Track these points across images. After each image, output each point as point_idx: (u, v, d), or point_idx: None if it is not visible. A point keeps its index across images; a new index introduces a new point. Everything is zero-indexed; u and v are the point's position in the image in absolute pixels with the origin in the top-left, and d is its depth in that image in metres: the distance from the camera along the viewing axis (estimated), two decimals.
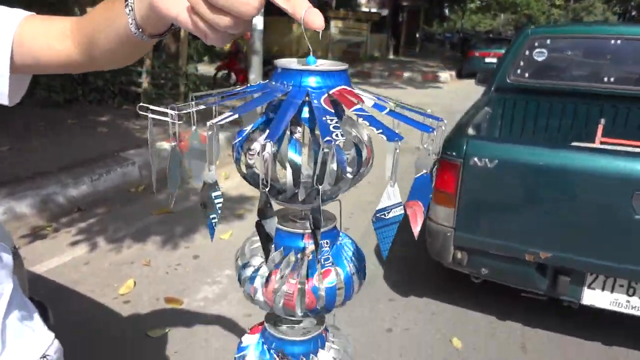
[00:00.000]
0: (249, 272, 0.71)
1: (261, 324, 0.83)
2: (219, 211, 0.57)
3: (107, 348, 2.26)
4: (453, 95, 10.31)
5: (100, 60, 0.68)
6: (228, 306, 2.63)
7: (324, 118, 0.48)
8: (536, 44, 3.40)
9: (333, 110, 0.51)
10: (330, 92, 0.53)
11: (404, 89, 11.36)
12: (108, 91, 6.25)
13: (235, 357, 0.80)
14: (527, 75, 3.48)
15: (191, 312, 2.58)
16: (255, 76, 5.95)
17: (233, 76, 9.43)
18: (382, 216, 0.53)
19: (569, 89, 3.34)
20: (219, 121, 0.51)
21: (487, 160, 2.00)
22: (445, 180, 2.11)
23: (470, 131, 2.57)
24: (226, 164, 5.06)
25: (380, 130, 0.48)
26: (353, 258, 0.71)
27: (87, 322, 2.45)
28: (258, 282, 0.68)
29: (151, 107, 0.53)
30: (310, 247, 0.69)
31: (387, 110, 0.55)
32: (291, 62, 0.57)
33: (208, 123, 0.51)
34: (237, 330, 2.42)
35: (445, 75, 13.61)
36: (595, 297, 2.08)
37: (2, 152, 4.32)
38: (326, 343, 0.78)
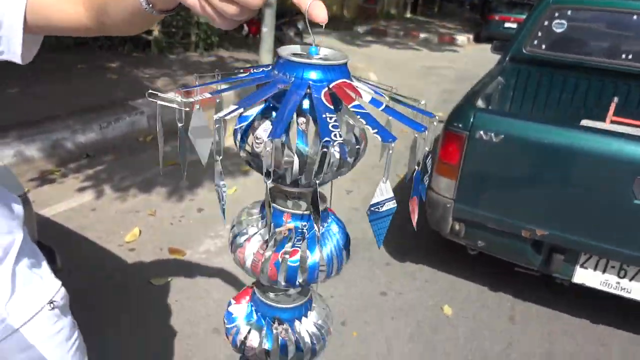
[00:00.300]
0: (241, 239, 0.74)
1: (244, 291, 0.87)
2: (225, 200, 0.60)
3: (112, 293, 2.36)
4: (469, 59, 10.09)
5: (109, 28, 0.69)
6: (229, 259, 2.69)
7: (323, 116, 0.50)
8: (556, 14, 3.30)
9: (332, 107, 0.52)
10: (330, 86, 0.54)
11: (418, 51, 11.11)
12: (118, 37, 6.17)
13: (226, 328, 0.85)
14: (544, 46, 3.40)
15: (193, 264, 2.66)
16: (267, 29, 5.82)
17: (245, 28, 9.24)
18: (376, 209, 0.56)
19: (584, 64, 3.27)
20: (225, 115, 0.53)
21: (493, 134, 1.99)
22: (449, 152, 2.12)
23: (480, 103, 2.55)
24: (234, 119, 5.06)
25: (376, 130, 0.50)
26: (337, 240, 0.74)
27: (93, 267, 2.54)
28: (249, 250, 0.72)
29: (159, 94, 0.55)
30: (288, 225, 0.72)
31: (383, 106, 0.56)
32: (294, 51, 0.58)
33: (214, 117, 0.53)
34: (236, 283, 2.51)
35: (462, 38, 13.25)
36: (586, 276, 2.12)
37: (12, 94, 4.33)
38: (309, 311, 0.82)
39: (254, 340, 0.80)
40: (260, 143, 0.60)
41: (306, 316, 0.82)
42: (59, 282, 0.96)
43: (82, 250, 2.67)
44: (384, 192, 0.56)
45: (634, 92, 3.28)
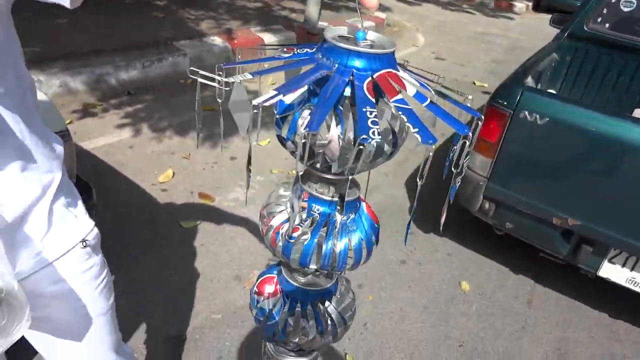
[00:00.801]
0: (274, 222, 0.75)
1: (265, 280, 0.88)
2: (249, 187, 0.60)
3: (142, 231, 2.46)
4: (524, 29, 9.58)
5: None
6: (256, 210, 2.74)
7: (364, 109, 0.49)
8: None
9: (374, 99, 0.51)
10: (374, 76, 0.53)
11: (472, 15, 10.59)
12: None
13: (251, 307, 0.87)
14: (607, 25, 3.19)
15: (221, 210, 2.73)
16: None
17: None
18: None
19: None
20: (264, 102, 0.52)
21: (538, 116, 1.92)
22: (490, 129, 2.06)
23: (529, 80, 2.44)
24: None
25: (417, 130, 0.49)
26: (365, 233, 0.75)
27: (126, 204, 2.64)
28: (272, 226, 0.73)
29: (200, 71, 0.54)
30: (302, 203, 0.72)
31: (427, 102, 0.54)
32: (341, 33, 0.56)
33: (253, 102, 0.53)
34: (260, 235, 2.58)
35: (521, 5, 12.52)
36: (613, 271, 2.08)
37: (61, 25, 4.40)
38: (334, 295, 0.84)
39: (278, 318, 0.82)
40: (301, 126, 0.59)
41: (330, 300, 0.84)
42: (92, 223, 1.01)
43: (117, 187, 2.77)
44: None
45: None
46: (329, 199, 0.68)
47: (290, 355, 0.90)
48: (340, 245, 0.69)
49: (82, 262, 0.98)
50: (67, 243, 0.94)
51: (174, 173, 2.97)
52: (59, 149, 0.93)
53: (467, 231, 2.89)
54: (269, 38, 5.23)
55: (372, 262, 2.52)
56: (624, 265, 2.04)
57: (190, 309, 2.08)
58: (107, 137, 3.24)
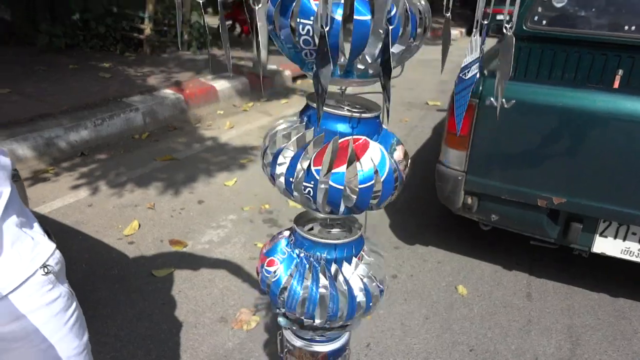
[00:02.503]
0: (280, 159, 0.66)
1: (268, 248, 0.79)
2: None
3: (111, 287, 2.26)
4: (462, 52, 9.98)
5: None
6: (232, 249, 2.61)
7: None
8: None
9: None
10: None
11: None
12: (110, 38, 6.07)
13: (263, 281, 0.77)
14: (544, 22, 3.32)
15: (196, 254, 2.57)
16: (262, 24, 5.72)
17: (238, 27, 9.17)
18: (463, 76, 0.52)
19: (587, 38, 3.19)
20: None
21: (503, 100, 1.90)
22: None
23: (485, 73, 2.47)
24: (231, 114, 4.98)
25: None
26: (394, 156, 0.67)
27: (91, 260, 2.44)
28: (283, 168, 0.64)
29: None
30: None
31: None
32: None
33: None
34: (241, 272, 2.42)
35: (454, 32, 13.23)
36: (606, 245, 2.04)
37: (2, 95, 4.23)
38: (361, 253, 0.74)
39: (295, 287, 0.72)
40: None
41: (356, 257, 0.74)
42: (53, 245, 0.87)
43: (80, 245, 2.57)
44: (474, 50, 0.50)
45: (639, 64, 3.20)
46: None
47: (316, 340, 0.78)
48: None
49: (46, 293, 0.83)
50: (24, 270, 0.80)
51: (139, 224, 2.80)
52: (4, 160, 0.81)
53: (451, 237, 2.82)
54: (220, 85, 5.21)
55: None
56: (616, 236, 2.01)
57: None
58: (63, 199, 3.04)
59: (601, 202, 1.91)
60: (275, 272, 0.75)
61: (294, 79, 6.33)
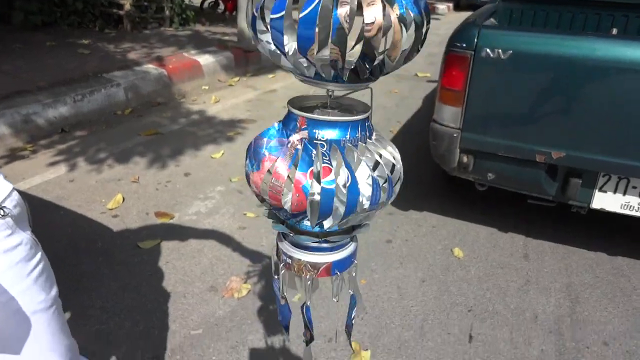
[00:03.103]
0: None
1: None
2: None
3: (97, 259, 2.17)
4: (450, 25, 9.84)
5: None
6: (221, 219, 2.53)
7: None
8: None
9: None
10: None
11: None
12: (89, 14, 5.86)
13: (251, 164, 0.69)
14: None
15: (183, 226, 2.48)
16: (244, 3, 5.54)
17: (221, 5, 8.94)
18: None
19: None
20: None
21: (500, 51, 1.83)
22: (453, 76, 1.95)
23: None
24: (217, 89, 4.84)
25: None
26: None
27: (74, 235, 2.34)
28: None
29: None
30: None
31: None
32: None
33: None
34: (231, 241, 2.34)
35: (442, 7, 13.06)
36: (605, 200, 1.99)
37: None
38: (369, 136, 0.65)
39: (280, 168, 0.63)
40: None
41: (363, 141, 0.65)
42: (11, 186, 0.78)
43: (61, 220, 2.46)
44: None
45: (632, 22, 3.13)
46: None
47: (316, 248, 0.69)
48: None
49: (3, 239, 0.74)
50: None
51: (124, 198, 2.69)
52: None
53: (446, 203, 2.76)
54: (205, 59, 5.06)
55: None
56: (615, 191, 1.95)
57: (164, 330, 1.81)
58: (42, 176, 2.92)
59: (601, 155, 1.84)
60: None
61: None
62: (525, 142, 1.94)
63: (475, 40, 1.87)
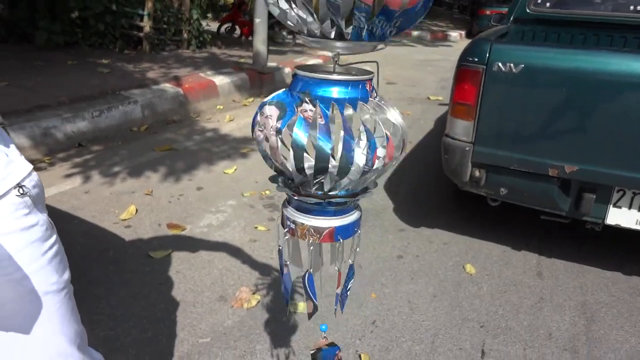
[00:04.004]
0: None
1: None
2: None
3: (108, 267, 2.18)
4: None
5: None
6: (232, 232, 2.53)
7: None
8: None
9: None
10: None
11: (413, 47, 11.03)
12: (109, 35, 6.04)
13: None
14: (548, 4, 3.27)
15: (194, 237, 2.49)
16: (261, 20, 5.68)
17: (237, 30, 9.17)
18: None
19: (592, 19, 3.13)
20: None
21: (512, 65, 1.84)
22: (465, 91, 1.97)
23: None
24: (231, 108, 4.92)
25: None
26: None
27: (86, 243, 2.36)
28: None
29: None
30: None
31: None
32: None
33: None
34: (241, 254, 2.34)
35: (454, 34, 13.24)
36: (620, 216, 1.96)
37: (0, 87, 4.18)
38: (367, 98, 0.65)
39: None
40: None
41: (364, 102, 0.65)
42: (30, 166, 0.80)
43: (75, 229, 2.49)
44: None
45: None
46: None
47: (322, 212, 0.69)
48: None
49: (21, 217, 0.75)
50: None
51: (137, 209, 2.72)
52: None
53: (458, 220, 2.74)
54: (220, 80, 5.16)
55: (367, 261, 2.32)
56: (630, 206, 1.92)
57: (172, 338, 1.80)
58: (58, 187, 2.97)
59: (615, 169, 1.83)
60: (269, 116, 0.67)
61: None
62: (537, 156, 1.93)
63: (487, 55, 1.89)
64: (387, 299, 2.06)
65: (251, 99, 5.29)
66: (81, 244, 2.35)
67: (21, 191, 0.75)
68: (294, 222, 0.70)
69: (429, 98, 5.86)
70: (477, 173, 2.08)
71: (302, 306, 1.96)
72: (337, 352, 0.83)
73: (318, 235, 0.68)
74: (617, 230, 2.09)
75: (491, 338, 1.85)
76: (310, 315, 0.80)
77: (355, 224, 0.73)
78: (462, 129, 2.04)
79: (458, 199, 2.92)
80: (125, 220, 2.61)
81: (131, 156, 3.50)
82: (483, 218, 2.75)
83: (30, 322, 0.79)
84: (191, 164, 3.40)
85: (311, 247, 0.72)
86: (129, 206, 2.72)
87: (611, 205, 1.95)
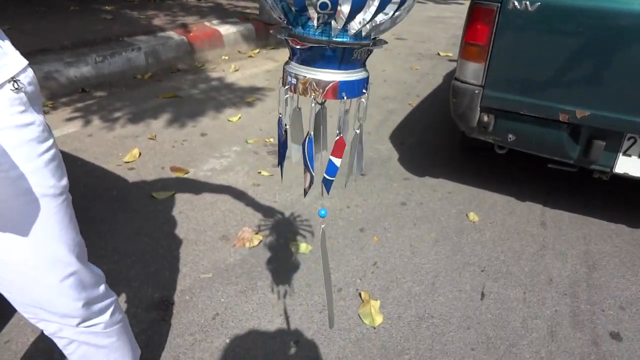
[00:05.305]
0: None
1: None
2: None
3: (111, 206, 2.19)
4: None
5: None
6: (235, 176, 2.52)
7: None
8: None
9: None
10: None
11: (424, 4, 10.70)
12: None
13: None
14: None
15: (197, 180, 2.48)
16: None
17: None
18: None
19: None
20: None
21: (527, 3, 1.77)
22: (477, 30, 1.90)
23: None
24: (236, 59, 4.83)
25: None
26: None
27: (89, 182, 2.37)
28: None
29: None
30: None
31: None
32: None
33: None
34: (245, 197, 2.34)
35: None
36: (630, 164, 1.92)
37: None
38: None
39: None
40: None
41: None
42: (26, 62, 0.77)
43: (78, 170, 2.49)
44: None
45: None
46: None
47: (326, 63, 0.64)
48: None
49: (17, 114, 0.73)
50: None
51: (140, 153, 2.71)
52: None
53: (463, 170, 2.71)
54: (226, 30, 5.04)
55: (371, 206, 2.31)
56: None
57: (174, 273, 1.82)
58: (61, 130, 2.95)
59: (628, 115, 1.78)
60: None
61: None
62: (549, 101, 1.88)
63: None
64: (388, 242, 2.06)
65: (257, 50, 5.18)
66: (84, 184, 2.35)
67: (16, 86, 0.72)
68: (295, 76, 0.65)
69: (438, 54, 5.72)
70: (485, 118, 2.03)
71: (303, 246, 1.96)
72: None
73: (321, 90, 0.63)
74: (624, 183, 2.06)
75: (491, 281, 1.85)
76: (306, 191, 0.75)
77: (362, 83, 0.67)
78: (472, 72, 1.98)
79: (464, 151, 2.89)
80: (128, 162, 2.60)
81: (135, 102, 3.46)
82: (489, 169, 2.72)
83: (27, 224, 0.78)
84: (195, 111, 3.36)
85: (313, 105, 0.68)
86: (133, 149, 2.71)
87: (621, 154, 1.91)
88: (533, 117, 1.94)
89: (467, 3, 2.03)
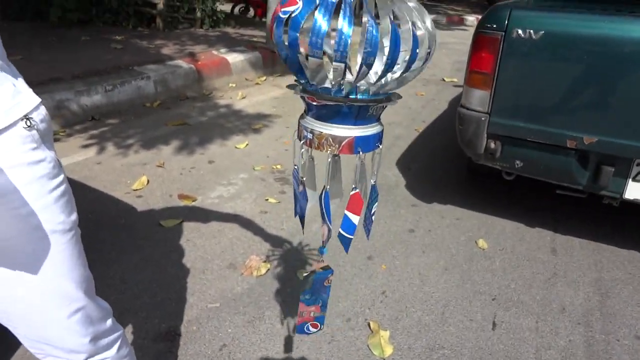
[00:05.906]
0: None
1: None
2: None
3: (117, 234, 2.19)
4: None
5: None
6: (243, 204, 2.53)
7: None
8: None
9: None
10: None
11: None
12: (123, 12, 6.03)
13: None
14: None
15: (205, 208, 2.48)
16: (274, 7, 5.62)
17: (252, 10, 9.08)
18: None
19: None
20: None
21: (532, 31, 1.78)
22: (482, 59, 1.91)
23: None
24: (244, 87, 4.89)
25: None
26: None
27: (98, 210, 2.38)
28: None
29: None
30: None
31: None
32: None
33: None
34: (252, 225, 2.33)
35: (471, 18, 12.98)
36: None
37: (14, 61, 4.18)
38: None
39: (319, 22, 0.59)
40: None
41: None
42: (38, 99, 0.78)
43: (86, 197, 2.50)
44: None
45: None
46: None
47: (341, 119, 0.65)
48: None
49: (28, 152, 0.74)
50: (3, 117, 0.71)
51: (148, 180, 2.72)
52: None
53: (471, 196, 2.70)
54: (233, 58, 5.13)
55: (379, 234, 2.30)
56: None
57: (182, 302, 1.80)
58: (71, 157, 2.98)
59: (636, 141, 1.77)
60: (294, 11, 0.62)
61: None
62: (555, 127, 1.88)
63: (506, 21, 1.84)
64: (397, 270, 2.04)
65: (264, 78, 5.25)
66: (92, 211, 2.36)
67: (29, 124, 0.73)
68: (311, 131, 0.65)
69: (443, 79, 5.77)
70: (492, 145, 2.03)
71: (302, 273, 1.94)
72: (328, 276, 0.80)
73: (337, 145, 0.64)
74: (636, 209, 2.04)
75: (503, 310, 1.82)
76: (324, 243, 0.76)
77: (377, 137, 0.68)
78: (478, 99, 1.99)
79: (471, 177, 2.88)
80: (136, 190, 2.61)
81: (143, 130, 3.50)
82: (496, 195, 2.71)
83: (36, 261, 0.78)
84: (203, 139, 3.39)
85: (329, 160, 0.68)
86: (141, 177, 2.73)
87: (630, 180, 1.90)
88: (540, 143, 1.94)
89: (471, 29, 2.06)
